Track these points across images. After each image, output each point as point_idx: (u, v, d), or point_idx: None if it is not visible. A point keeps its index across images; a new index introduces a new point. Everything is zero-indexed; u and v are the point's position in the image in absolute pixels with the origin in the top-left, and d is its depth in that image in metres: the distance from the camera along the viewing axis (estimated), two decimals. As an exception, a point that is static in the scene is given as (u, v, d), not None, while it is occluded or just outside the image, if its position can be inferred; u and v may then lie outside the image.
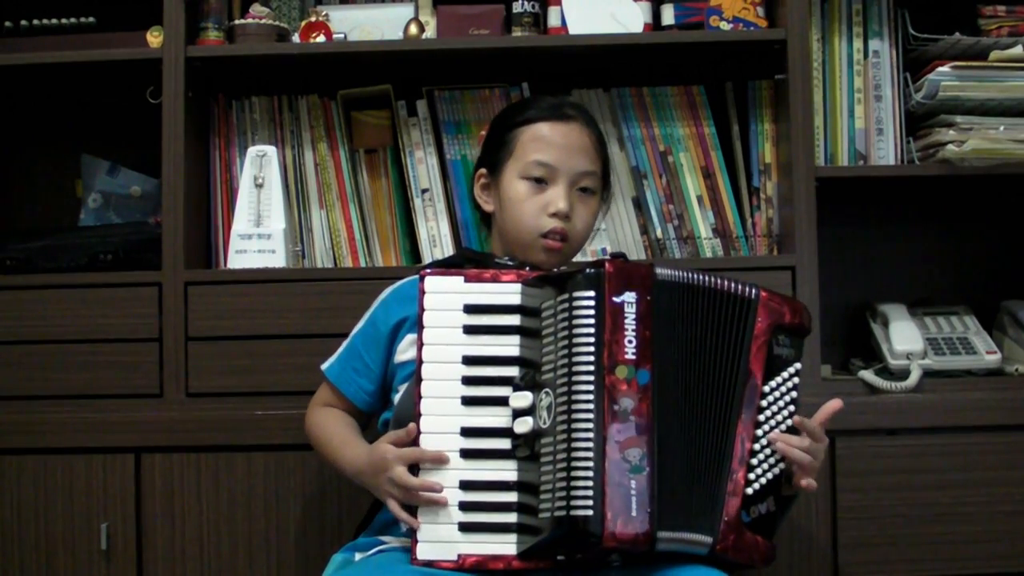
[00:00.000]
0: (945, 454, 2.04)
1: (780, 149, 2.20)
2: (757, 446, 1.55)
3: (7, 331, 2.10)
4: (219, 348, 2.08)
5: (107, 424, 2.06)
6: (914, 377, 2.06)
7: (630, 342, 1.47)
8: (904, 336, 2.13)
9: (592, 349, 1.46)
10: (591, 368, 1.45)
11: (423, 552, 1.51)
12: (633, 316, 1.47)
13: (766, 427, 1.56)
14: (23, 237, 2.22)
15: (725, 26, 2.18)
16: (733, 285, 1.57)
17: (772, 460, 1.56)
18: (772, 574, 2.00)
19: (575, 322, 1.47)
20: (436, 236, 2.24)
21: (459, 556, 1.50)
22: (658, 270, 1.52)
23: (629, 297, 1.48)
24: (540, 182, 1.72)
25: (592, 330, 1.46)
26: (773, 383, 1.57)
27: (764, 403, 1.56)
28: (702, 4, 2.20)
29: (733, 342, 1.56)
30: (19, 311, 2.10)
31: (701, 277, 1.56)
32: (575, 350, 1.46)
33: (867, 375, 2.08)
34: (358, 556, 1.64)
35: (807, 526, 2.04)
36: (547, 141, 1.73)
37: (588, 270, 1.49)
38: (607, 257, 1.51)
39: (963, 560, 2.03)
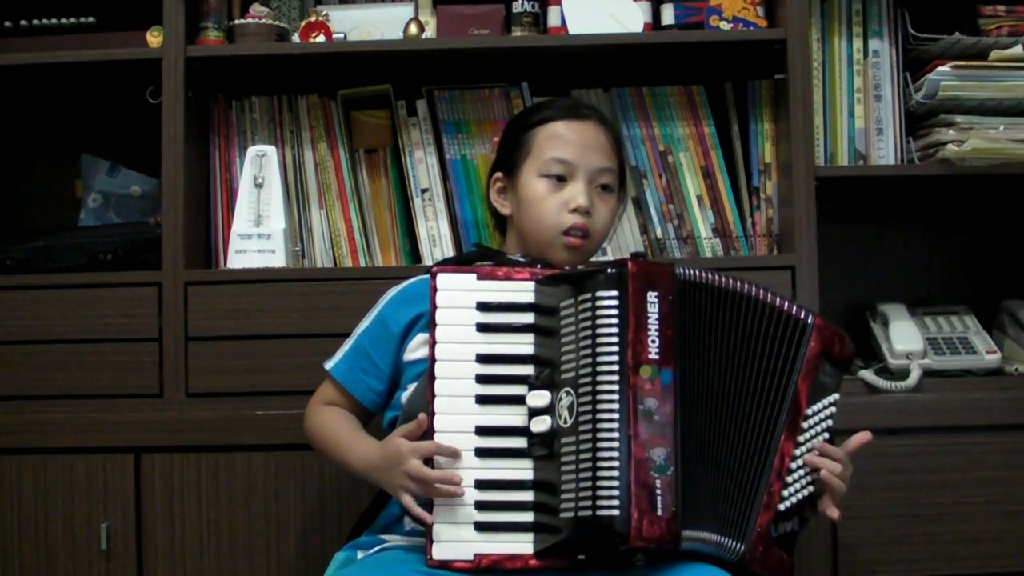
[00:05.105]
0: (945, 454, 2.04)
1: (780, 149, 2.20)
2: (794, 464, 1.55)
3: (7, 331, 2.10)
4: (219, 348, 2.08)
5: (107, 424, 2.06)
6: (914, 377, 2.06)
7: (653, 342, 1.46)
8: (904, 336, 2.13)
9: (616, 349, 1.45)
10: (615, 368, 1.44)
11: (439, 552, 1.49)
12: (656, 316, 1.47)
13: (804, 448, 1.56)
14: (23, 237, 2.22)
15: (725, 26, 2.18)
16: (786, 303, 1.57)
17: (805, 480, 1.56)
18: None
19: (599, 322, 1.46)
20: (436, 236, 2.24)
21: (475, 556, 1.49)
22: (678, 270, 1.51)
23: (652, 296, 1.47)
24: (559, 179, 1.72)
25: (616, 330, 1.45)
26: (815, 407, 1.58)
27: (805, 425, 1.57)
28: (702, 4, 2.20)
29: (784, 359, 1.56)
30: (19, 311, 2.10)
31: (726, 280, 1.55)
32: (599, 350, 1.45)
33: (867, 375, 2.08)
34: (360, 555, 1.63)
35: (806, 526, 2.03)
36: (564, 139, 1.73)
37: (610, 269, 1.48)
38: (627, 257, 1.49)
39: (963, 560, 2.03)
